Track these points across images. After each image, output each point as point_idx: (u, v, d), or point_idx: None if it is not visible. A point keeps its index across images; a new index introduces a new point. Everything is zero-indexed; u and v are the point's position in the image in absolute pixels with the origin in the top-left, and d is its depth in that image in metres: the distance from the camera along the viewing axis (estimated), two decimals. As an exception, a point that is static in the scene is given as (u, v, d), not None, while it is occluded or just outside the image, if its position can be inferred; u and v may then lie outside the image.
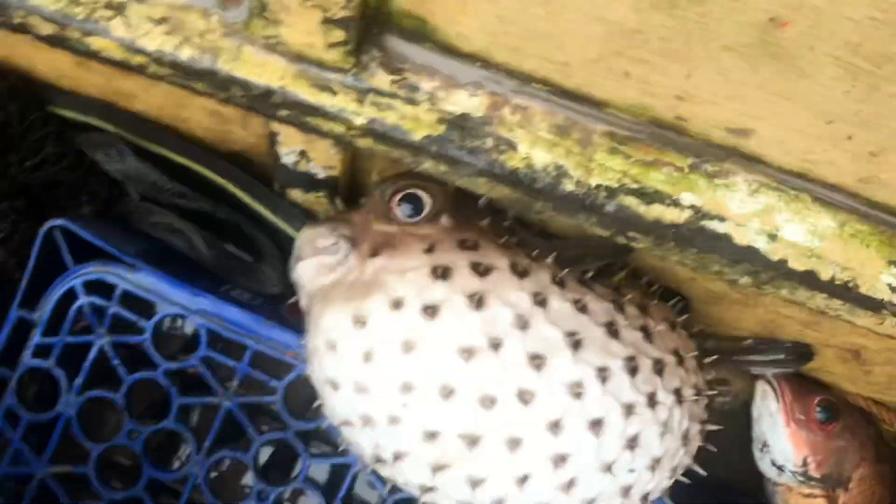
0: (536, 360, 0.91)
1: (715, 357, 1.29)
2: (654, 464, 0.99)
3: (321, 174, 1.25)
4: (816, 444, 1.57)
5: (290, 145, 1.18)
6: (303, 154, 1.21)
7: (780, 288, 0.99)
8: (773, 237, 0.97)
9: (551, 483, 0.94)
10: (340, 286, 1.06)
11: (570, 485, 0.94)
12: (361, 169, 1.37)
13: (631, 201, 0.96)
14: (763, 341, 1.54)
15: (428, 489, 0.97)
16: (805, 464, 1.57)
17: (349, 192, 1.42)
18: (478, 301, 0.92)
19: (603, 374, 0.93)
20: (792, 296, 1.00)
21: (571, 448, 0.93)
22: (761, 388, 1.60)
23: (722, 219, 0.97)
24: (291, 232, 1.39)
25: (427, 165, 0.98)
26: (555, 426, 0.92)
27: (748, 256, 0.97)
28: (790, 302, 1.02)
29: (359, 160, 1.32)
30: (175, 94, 1.14)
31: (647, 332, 1.07)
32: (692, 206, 0.97)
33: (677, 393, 1.06)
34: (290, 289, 1.24)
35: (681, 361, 1.10)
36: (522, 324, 0.92)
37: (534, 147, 0.96)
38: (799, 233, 0.97)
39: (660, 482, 1.10)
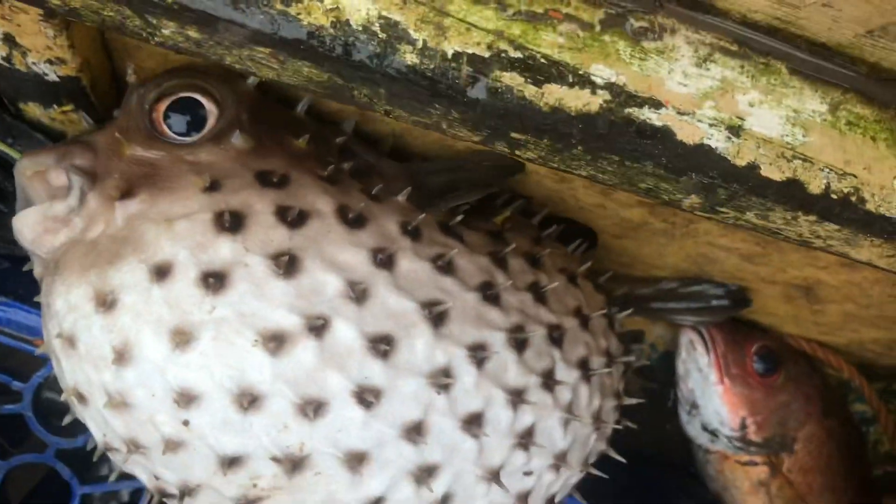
0: (380, 345, 0.66)
1: (629, 311, 0.96)
2: (559, 461, 0.77)
3: (51, 74, 0.83)
4: (756, 402, 1.30)
5: (-15, 26, 0.76)
6: (10, 41, 0.78)
7: (745, 210, 0.65)
8: (735, 130, 0.62)
9: None
10: (79, 246, 0.73)
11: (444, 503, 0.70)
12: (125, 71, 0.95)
13: (512, 80, 0.59)
14: (689, 282, 1.22)
15: None
16: (743, 426, 1.30)
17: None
18: (288, 264, 0.66)
19: (478, 353, 0.69)
20: (762, 220, 0.66)
21: (441, 457, 0.69)
22: (688, 338, 1.31)
23: (657, 104, 0.61)
24: (39, 166, 0.98)
25: (168, 31, 0.57)
26: (414, 431, 0.67)
27: (698, 162, 0.62)
28: (751, 227, 0.67)
29: (116, 57, 0.90)
30: None
31: (538, 291, 0.78)
32: (610, 86, 0.60)
33: (583, 365, 0.80)
34: None
35: (585, 323, 0.83)
36: (359, 293, 0.67)
37: (346, -8, 0.56)
38: (773, 122, 0.63)
39: (567, 480, 0.83)
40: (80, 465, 0.96)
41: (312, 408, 0.65)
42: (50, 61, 0.82)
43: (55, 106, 0.92)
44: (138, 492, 0.97)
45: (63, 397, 0.76)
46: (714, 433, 1.32)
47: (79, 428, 0.96)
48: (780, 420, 1.32)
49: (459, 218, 0.81)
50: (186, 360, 0.65)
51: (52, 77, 0.85)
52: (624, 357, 0.91)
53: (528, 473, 0.76)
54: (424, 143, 0.95)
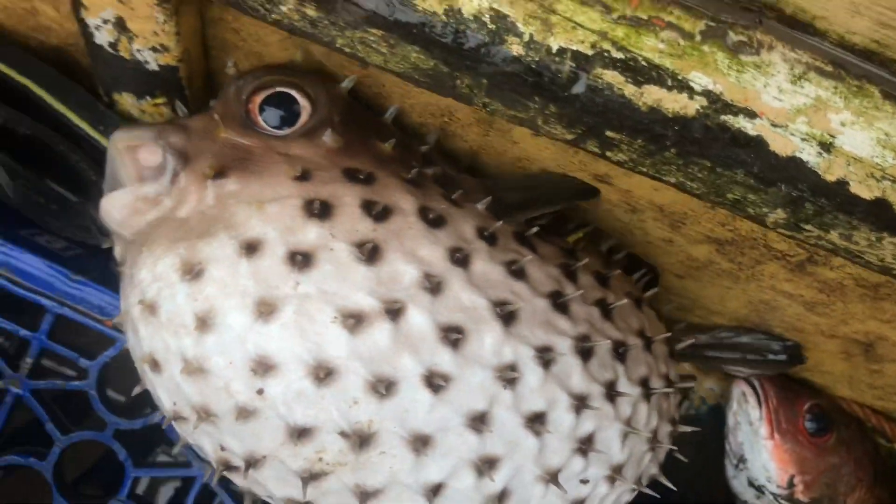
0: (453, 335, 0.68)
1: (689, 343, 0.97)
2: (615, 473, 0.77)
3: (152, 63, 0.87)
4: (805, 461, 1.27)
5: (98, 8, 0.80)
6: (120, 26, 0.82)
7: (830, 228, 0.66)
8: (826, 147, 0.63)
9: (475, 496, 0.70)
10: (168, 223, 0.75)
11: (500, 499, 0.71)
12: (223, 83, 0.99)
13: (613, 78, 0.61)
14: (746, 332, 1.21)
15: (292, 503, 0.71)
16: (791, 484, 1.27)
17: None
18: (371, 252, 0.68)
19: (545, 355, 0.71)
20: (846, 241, 0.66)
21: (502, 450, 0.70)
22: (740, 390, 1.30)
23: (752, 114, 0.62)
24: (125, 156, 1.01)
25: (287, 7, 0.60)
26: (478, 421, 0.68)
27: (789, 174, 0.63)
28: (831, 248, 0.67)
29: (212, 55, 0.93)
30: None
31: (605, 308, 0.80)
32: (707, 93, 0.62)
33: (644, 383, 0.81)
34: None
35: (648, 345, 0.84)
36: (434, 286, 0.69)
37: (461, -18, 0.59)
38: (864, 143, 0.64)
39: (619, 497, 0.83)
40: (135, 448, 0.97)
41: (384, 386, 0.66)
42: (154, 48, 0.85)
43: (148, 97, 0.96)
44: (187, 481, 0.98)
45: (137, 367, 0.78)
46: (760, 489, 1.30)
47: (138, 412, 0.98)
48: (829, 482, 1.30)
49: (534, 230, 0.83)
50: (267, 331, 0.66)
51: (153, 66, 0.89)
52: (682, 383, 0.91)
53: (584, 481, 0.76)
54: (500, 162, 0.97)
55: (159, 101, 0.95)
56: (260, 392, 0.66)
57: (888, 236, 0.65)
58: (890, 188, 0.63)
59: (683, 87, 0.62)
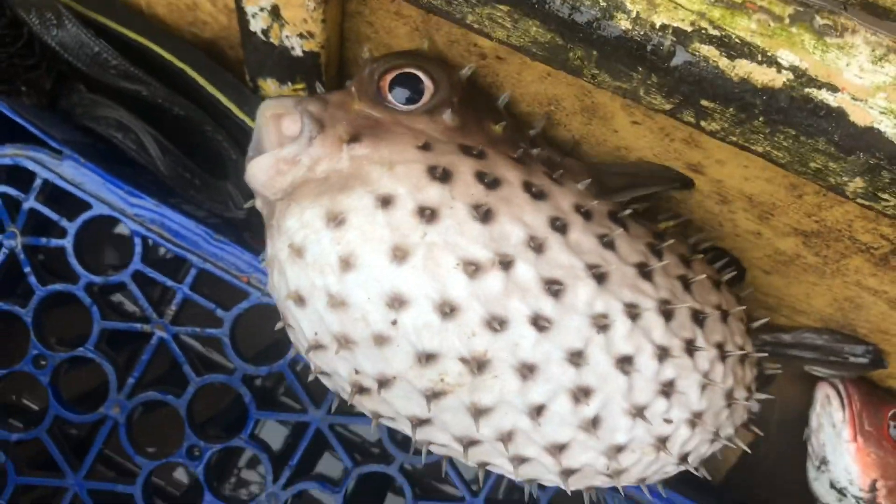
0: (554, 286, 0.78)
1: (769, 338, 1.12)
2: (695, 419, 0.85)
3: (298, 49, 0.99)
4: (888, 466, 1.29)
5: (258, -3, 0.92)
6: (275, 14, 0.95)
7: (907, 196, 0.71)
8: (903, 120, 0.69)
9: (572, 419, 0.79)
10: (310, 180, 0.86)
11: (594, 424, 0.80)
12: (353, 74, 1.11)
13: (709, 52, 0.69)
14: (831, 334, 1.26)
15: (422, 422, 0.82)
16: (873, 489, 1.29)
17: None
18: (484, 213, 0.79)
19: (632, 310, 0.80)
20: (923, 209, 0.71)
21: (595, 382, 0.79)
22: (824, 392, 1.33)
23: (834, 89, 0.70)
24: (263, 136, 1.14)
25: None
26: (576, 356, 0.78)
27: (867, 143, 0.69)
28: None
29: (347, 46, 1.05)
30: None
31: (685, 282, 0.89)
32: (793, 68, 0.70)
33: (720, 347, 0.89)
34: (259, 214, 0.98)
35: (724, 318, 0.93)
36: (537, 246, 0.78)
37: (578, -37, 0.69)
38: (939, 118, 0.69)
39: (701, 443, 0.91)
40: (259, 393, 1.08)
41: (497, 322, 0.76)
42: (301, 35, 0.98)
43: (290, 83, 1.08)
44: (300, 428, 1.08)
45: (279, 306, 0.89)
46: (842, 492, 1.32)
47: (263, 360, 1.10)
48: (911, 489, 1.31)
49: (628, 212, 0.92)
50: (401, 272, 0.77)
51: (298, 52, 1.01)
52: (757, 353, 1.00)
53: (668, 420, 0.83)
54: (600, 151, 1.06)
55: (299, 86, 1.08)
56: (394, 322, 0.76)
57: (961, 204, 0.71)
58: (962, 159, 0.69)
59: (772, 62, 0.70)
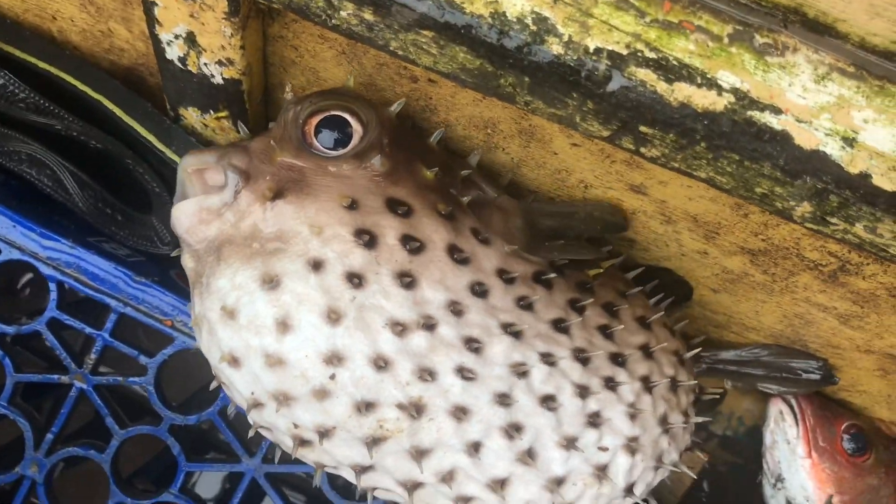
0: (474, 344, 0.82)
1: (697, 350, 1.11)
2: (632, 443, 0.89)
3: (218, 76, 0.94)
4: (843, 481, 1.28)
5: (172, 24, 0.87)
6: (191, 41, 0.90)
7: (855, 220, 0.69)
8: (849, 142, 0.67)
9: (507, 454, 0.83)
10: (236, 238, 0.84)
11: (529, 456, 0.84)
12: (279, 100, 1.05)
13: (646, 75, 0.65)
14: (780, 350, 1.24)
15: (364, 469, 0.84)
16: (829, 504, 1.25)
17: (264, 123, 1.10)
18: (408, 282, 0.81)
19: (548, 358, 0.85)
20: (870, 234, 0.69)
21: (524, 419, 0.83)
22: (777, 408, 1.31)
23: (777, 111, 0.66)
24: (187, 169, 1.08)
25: (346, 12, 0.66)
26: (503, 397, 0.82)
27: (813, 166, 0.66)
28: (857, 242, 0.71)
29: (271, 72, 1.00)
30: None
31: (605, 331, 0.93)
32: (734, 90, 0.66)
33: (645, 380, 0.93)
34: None
35: (649, 354, 0.97)
36: (457, 310, 0.83)
37: (505, -14, 0.64)
38: (886, 138, 0.67)
39: (645, 471, 0.93)
40: (188, 444, 1.02)
41: (427, 373, 0.79)
42: (220, 62, 0.92)
43: (212, 111, 1.02)
44: (235, 477, 1.02)
45: (212, 365, 0.85)
46: (798, 509, 1.30)
47: (191, 409, 1.03)
48: (867, 503, 1.30)
49: (552, 275, 0.92)
50: (336, 332, 0.79)
51: (218, 79, 0.95)
52: (690, 381, 1.03)
53: (602, 449, 0.87)
54: (539, 174, 1.02)
55: (222, 114, 1.02)
56: (332, 377, 0.79)
57: (913, 227, 0.68)
58: (912, 181, 0.67)
59: (712, 84, 0.67)
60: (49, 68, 1.08)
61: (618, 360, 0.91)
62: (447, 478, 0.84)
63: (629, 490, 0.91)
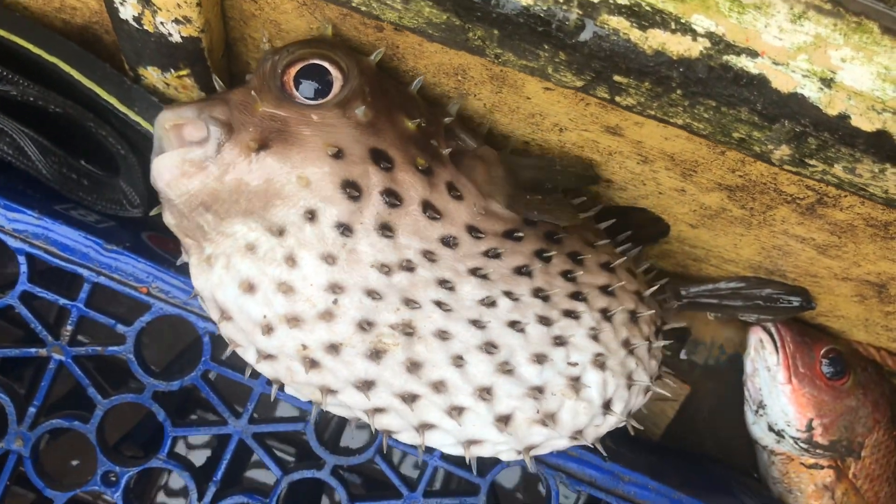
0: (447, 284, 0.89)
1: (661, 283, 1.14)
2: (598, 359, 0.95)
3: (176, 35, 0.90)
4: (823, 404, 1.30)
5: (124, -18, 0.83)
6: (144, 0, 0.84)
7: (834, 162, 0.68)
8: (827, 82, 0.65)
9: (487, 367, 0.90)
10: (222, 192, 0.85)
11: (507, 369, 0.90)
12: (242, 54, 1.02)
13: (619, 23, 0.63)
14: (755, 282, 1.25)
15: (367, 384, 0.88)
16: (810, 428, 1.30)
17: (228, 78, 1.07)
18: (388, 233, 0.86)
19: (511, 295, 0.92)
20: (849, 174, 0.68)
21: (497, 339, 0.90)
22: (757, 336, 1.33)
23: (753, 54, 0.65)
24: (152, 129, 1.04)
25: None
26: (476, 323, 0.89)
27: (791, 110, 0.65)
28: (836, 183, 0.70)
29: (231, 26, 0.96)
30: None
31: (567, 275, 0.98)
32: (710, 35, 0.64)
33: (603, 311, 0.99)
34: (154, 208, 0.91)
35: (609, 293, 1.01)
36: (430, 258, 0.89)
37: (470, -64, 0.62)
38: (864, 77, 0.66)
39: (618, 387, 0.97)
40: (173, 408, 1.01)
41: (413, 303, 0.86)
42: (177, 20, 0.89)
43: (172, 70, 0.99)
44: (222, 439, 1.02)
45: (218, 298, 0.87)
46: (780, 434, 1.33)
47: (173, 374, 1.03)
48: (847, 424, 1.32)
49: (521, 234, 0.95)
50: (333, 270, 0.85)
51: (176, 38, 0.92)
52: (651, 316, 1.07)
53: (572, 364, 0.93)
54: (513, 118, 1.00)
55: (183, 72, 0.99)
56: (335, 302, 0.85)
57: (890, 167, 0.67)
58: (891, 120, 0.66)
59: (686, 29, 0.65)
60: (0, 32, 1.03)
61: (578, 296, 0.96)
62: (439, 387, 0.89)
63: (607, 406, 0.96)
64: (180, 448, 1.28)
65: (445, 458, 1.06)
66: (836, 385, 1.32)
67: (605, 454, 1.00)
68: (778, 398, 1.31)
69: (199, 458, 1.17)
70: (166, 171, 0.85)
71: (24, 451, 0.99)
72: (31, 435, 0.99)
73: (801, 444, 1.32)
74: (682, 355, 1.48)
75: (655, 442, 1.41)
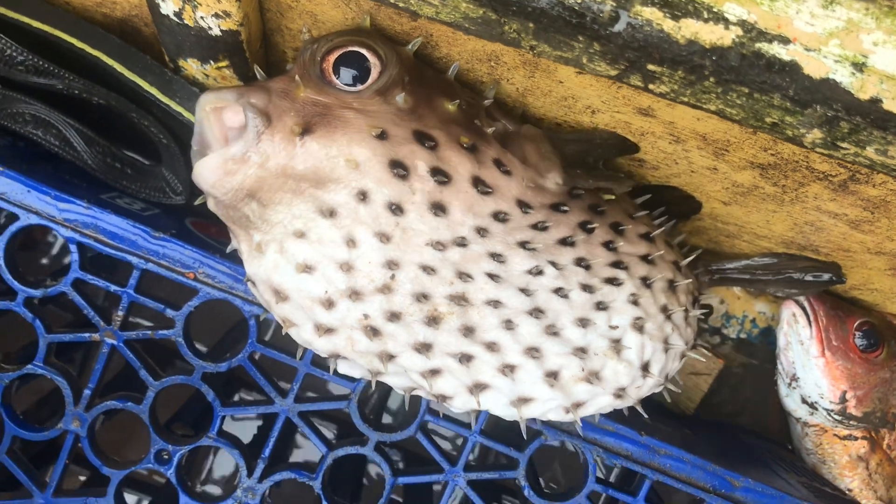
0: (498, 257, 0.92)
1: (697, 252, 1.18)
2: (638, 322, 0.99)
3: (216, 28, 0.92)
4: (856, 376, 1.31)
5: (166, -21, 0.85)
6: (186, -6, 0.87)
7: (866, 144, 0.69)
8: (859, 67, 0.66)
9: (535, 329, 0.93)
10: (267, 179, 0.86)
11: (553, 332, 0.94)
12: (278, 44, 1.04)
13: (652, 14, 0.64)
14: (786, 258, 1.26)
15: (424, 346, 0.92)
16: (843, 399, 1.31)
17: (265, 68, 1.09)
18: (439, 208, 0.88)
19: (555, 265, 0.95)
20: (881, 156, 0.69)
21: (544, 305, 0.94)
22: (790, 310, 1.34)
23: (785, 40, 0.66)
24: (193, 118, 1.07)
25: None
26: (524, 291, 0.93)
27: (823, 95, 0.66)
28: (868, 164, 0.71)
29: (268, 17, 0.98)
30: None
31: (608, 245, 1.01)
32: (742, 23, 0.65)
33: (644, 279, 1.02)
34: (197, 195, 0.94)
35: (649, 262, 1.05)
36: (483, 232, 0.91)
37: (505, -68, 0.63)
38: (896, 60, 0.66)
39: (655, 351, 1.01)
40: (220, 388, 1.05)
41: (466, 276, 0.90)
42: (216, 15, 0.91)
43: (212, 62, 1.02)
44: (268, 418, 1.05)
45: (273, 281, 0.90)
46: (813, 406, 1.34)
47: (221, 354, 1.06)
48: (881, 396, 1.34)
49: (566, 208, 0.98)
50: (389, 247, 0.87)
51: (216, 31, 0.94)
52: (688, 285, 1.11)
53: (613, 327, 0.97)
54: (546, 102, 1.02)
55: (222, 64, 1.01)
56: (392, 277, 0.88)
57: (923, 149, 0.68)
58: (922, 102, 0.67)
59: (719, 18, 0.66)
60: (44, 27, 1.06)
61: (619, 265, 1.00)
62: (493, 347, 0.93)
63: (645, 368, 1.00)
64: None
65: (485, 433, 1.09)
66: (870, 357, 1.33)
67: (646, 415, 1.05)
68: (811, 371, 1.33)
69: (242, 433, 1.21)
70: (209, 173, 0.86)
71: (81, 431, 1.03)
72: (88, 416, 1.03)
73: (835, 416, 1.33)
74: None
75: (690, 415, 1.43)
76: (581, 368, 0.96)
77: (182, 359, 1.07)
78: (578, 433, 1.09)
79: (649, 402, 1.08)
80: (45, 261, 1.36)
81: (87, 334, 1.03)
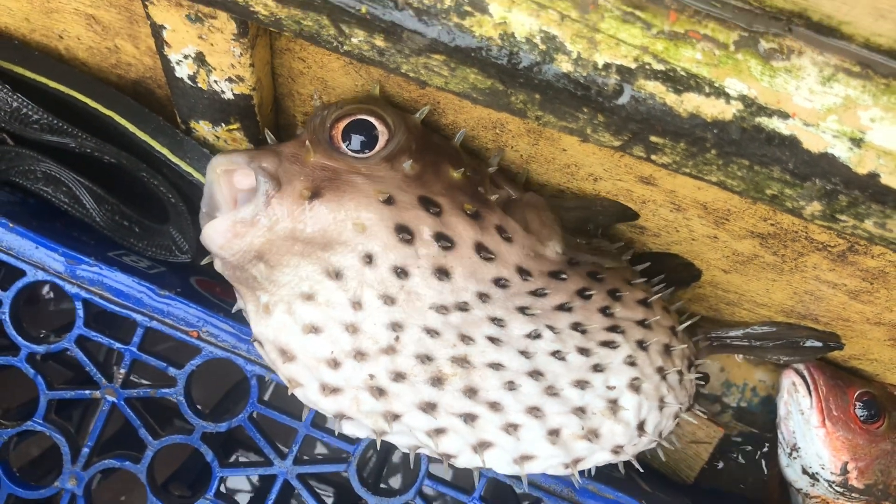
0: (498, 322, 0.94)
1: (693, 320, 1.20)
2: (634, 382, 1.01)
3: (229, 92, 0.94)
4: (858, 448, 1.30)
5: (181, 45, 0.88)
6: (200, 60, 0.90)
7: (864, 217, 0.70)
8: (856, 142, 0.68)
9: (535, 390, 0.95)
10: (275, 241, 0.88)
11: (553, 392, 0.96)
12: (289, 108, 1.06)
13: (655, 88, 0.66)
14: (785, 327, 1.27)
15: (429, 406, 0.93)
16: (845, 471, 1.30)
17: (275, 131, 1.11)
18: (443, 275, 0.90)
19: (553, 329, 0.97)
20: (880, 229, 0.70)
21: (543, 367, 0.96)
22: (790, 379, 1.34)
23: (784, 115, 0.67)
24: (202, 179, 1.09)
25: (357, 39, 0.67)
26: (524, 353, 0.95)
27: (822, 169, 0.68)
28: (867, 237, 0.72)
29: (279, 82, 1.01)
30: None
31: (605, 311, 1.03)
32: (742, 98, 0.67)
33: (640, 342, 1.04)
34: (203, 255, 0.95)
35: (646, 326, 1.07)
36: (485, 298, 0.93)
37: (512, 8, 0.66)
38: (894, 136, 0.67)
39: (651, 409, 1.04)
40: (218, 447, 1.04)
41: (467, 339, 0.91)
42: (230, 79, 0.93)
43: (223, 124, 1.04)
44: (266, 480, 1.05)
45: (277, 341, 0.92)
46: (814, 477, 1.33)
47: (221, 414, 1.06)
48: (882, 468, 1.33)
49: (565, 276, 1.00)
50: (393, 310, 0.89)
51: (229, 95, 0.97)
52: (684, 350, 1.13)
53: (610, 387, 0.99)
54: (549, 169, 1.04)
55: (233, 126, 1.03)
56: (397, 339, 0.89)
57: (920, 223, 0.69)
58: (919, 178, 0.68)
59: (720, 93, 0.68)
60: (60, 87, 1.09)
61: (616, 329, 1.02)
62: (496, 407, 0.94)
63: (641, 427, 1.01)
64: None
65: (484, 499, 1.08)
66: (871, 428, 1.32)
67: (645, 485, 1.04)
68: (812, 441, 1.32)
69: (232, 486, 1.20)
70: (218, 235, 0.88)
71: (77, 490, 1.02)
72: (85, 475, 1.02)
73: (836, 488, 1.32)
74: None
75: (690, 484, 1.42)
76: (581, 427, 0.98)
77: (181, 417, 1.07)
78: (577, 501, 1.09)
79: (649, 470, 1.08)
80: (44, 314, 1.36)
81: (87, 391, 1.03)
